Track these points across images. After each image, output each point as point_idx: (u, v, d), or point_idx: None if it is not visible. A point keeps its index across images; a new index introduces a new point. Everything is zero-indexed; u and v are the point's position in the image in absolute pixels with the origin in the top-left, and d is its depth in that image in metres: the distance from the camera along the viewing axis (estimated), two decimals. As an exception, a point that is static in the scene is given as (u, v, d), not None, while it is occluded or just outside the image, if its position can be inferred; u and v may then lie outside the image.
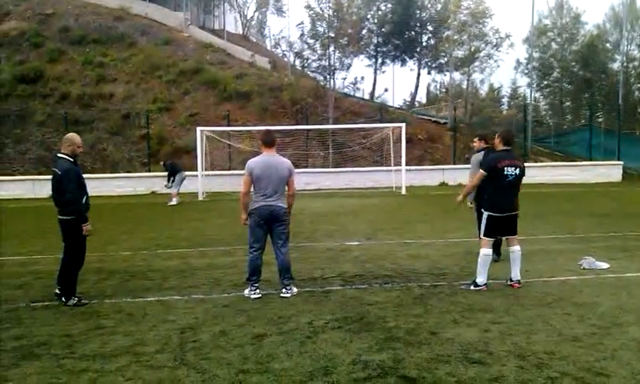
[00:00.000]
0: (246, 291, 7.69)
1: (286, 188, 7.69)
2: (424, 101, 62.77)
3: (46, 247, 12.38)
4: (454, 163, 32.51)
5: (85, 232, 7.54)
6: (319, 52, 42.32)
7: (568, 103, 56.30)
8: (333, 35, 39.56)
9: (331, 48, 40.38)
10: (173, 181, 22.34)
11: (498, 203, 7.65)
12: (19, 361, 5.42)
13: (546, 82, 55.36)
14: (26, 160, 31.75)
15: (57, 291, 7.69)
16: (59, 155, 7.56)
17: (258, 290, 7.60)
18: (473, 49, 43.21)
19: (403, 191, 25.32)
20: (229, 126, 31.21)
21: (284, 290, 7.66)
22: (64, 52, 39.18)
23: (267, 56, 47.73)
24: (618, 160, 31.64)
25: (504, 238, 8.22)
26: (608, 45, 51.92)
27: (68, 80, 37.02)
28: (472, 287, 7.69)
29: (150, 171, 29.76)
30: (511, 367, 5.00)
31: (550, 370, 4.91)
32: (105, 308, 7.28)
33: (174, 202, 21.95)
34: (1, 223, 16.94)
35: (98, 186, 28.10)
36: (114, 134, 33.72)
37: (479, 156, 9.34)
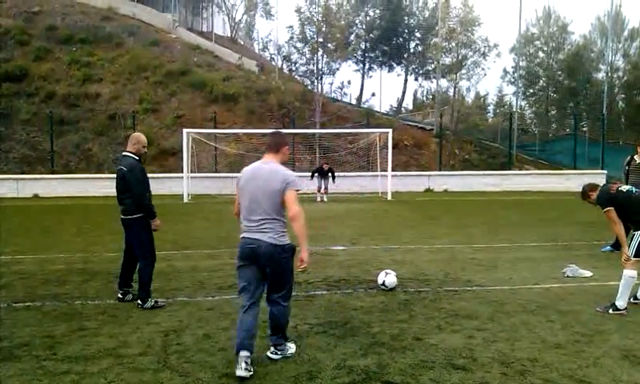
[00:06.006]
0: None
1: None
2: (410, 107, 63.05)
3: (29, 247, 12.27)
4: (440, 169, 32.68)
5: (154, 227, 7.39)
6: (307, 56, 42.43)
7: (553, 112, 56.82)
8: (321, 40, 39.65)
9: (319, 52, 40.48)
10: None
11: None
12: None
13: (531, 91, 55.86)
14: (9, 159, 31.45)
15: (119, 296, 7.63)
16: (125, 153, 7.43)
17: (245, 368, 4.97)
18: (460, 56, 43.47)
19: (389, 197, 25.37)
20: (215, 128, 31.14)
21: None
22: (50, 51, 38.91)
23: (255, 59, 47.76)
24: (602, 169, 31.86)
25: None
26: (593, 55, 52.44)
27: (54, 79, 36.76)
28: (611, 311, 6.96)
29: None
30: (495, 374, 5.01)
31: (534, 377, 4.93)
32: (88, 309, 7.22)
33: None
34: (-17, 222, 16.75)
35: (83, 186, 28.03)
36: (100, 134, 33.51)
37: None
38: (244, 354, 4.97)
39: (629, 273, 6.94)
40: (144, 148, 7.49)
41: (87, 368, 5.18)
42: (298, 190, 5.21)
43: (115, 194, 7.52)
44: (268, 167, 5.27)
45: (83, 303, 7.53)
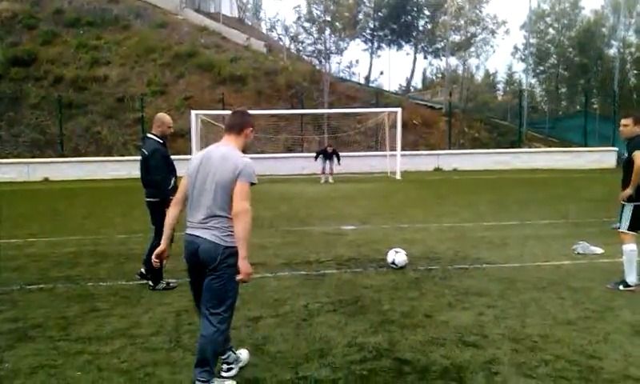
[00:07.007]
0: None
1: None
2: (419, 86, 62.70)
3: (40, 230, 12.35)
4: (449, 148, 32.54)
5: None
6: (315, 36, 42.21)
7: (564, 89, 56.35)
8: (329, 19, 39.43)
9: (327, 32, 40.26)
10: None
11: None
12: (14, 343, 5.41)
13: (541, 68, 55.33)
14: (19, 143, 31.61)
15: (142, 271, 7.59)
16: (148, 135, 7.44)
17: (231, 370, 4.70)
18: (469, 34, 43.16)
19: (398, 176, 25.32)
20: (224, 109, 31.12)
21: None
22: (58, 34, 38.91)
23: (263, 40, 47.50)
24: (613, 146, 31.62)
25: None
26: (605, 30, 51.88)
27: (62, 63, 36.79)
28: (621, 287, 6.92)
29: (144, 155, 29.67)
30: (506, 350, 5.02)
31: (545, 353, 4.93)
32: (100, 291, 7.27)
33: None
34: (-5, 206, 16.89)
35: (93, 169, 28.13)
36: (108, 117, 33.59)
37: None
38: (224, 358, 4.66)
39: (628, 247, 6.98)
40: (169, 128, 7.46)
41: (100, 348, 5.23)
42: (252, 184, 4.18)
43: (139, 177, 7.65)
44: (220, 152, 4.30)
45: (95, 285, 7.59)
